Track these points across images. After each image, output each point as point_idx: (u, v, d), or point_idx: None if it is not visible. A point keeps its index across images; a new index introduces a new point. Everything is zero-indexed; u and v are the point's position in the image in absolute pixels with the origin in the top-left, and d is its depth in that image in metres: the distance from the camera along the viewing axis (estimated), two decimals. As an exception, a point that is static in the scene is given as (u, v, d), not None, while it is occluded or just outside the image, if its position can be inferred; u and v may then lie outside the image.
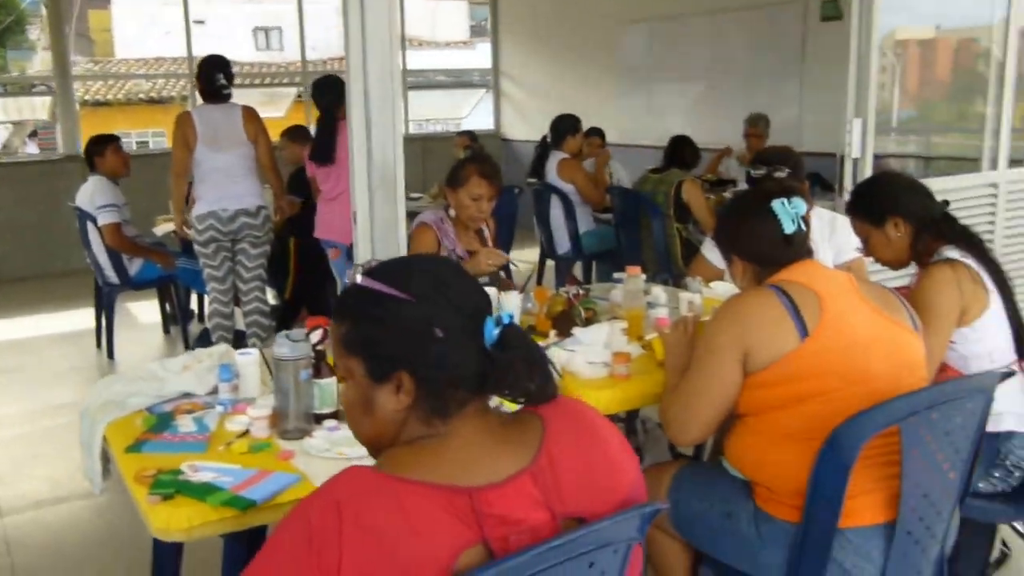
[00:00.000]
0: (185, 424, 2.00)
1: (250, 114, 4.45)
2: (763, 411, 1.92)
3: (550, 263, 5.79)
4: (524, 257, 6.69)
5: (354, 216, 2.81)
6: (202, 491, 1.66)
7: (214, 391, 2.17)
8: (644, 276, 3.01)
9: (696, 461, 2.20)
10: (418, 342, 1.17)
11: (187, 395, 2.19)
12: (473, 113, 11.46)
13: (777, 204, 2.01)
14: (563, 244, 5.55)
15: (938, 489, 1.82)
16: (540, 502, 1.15)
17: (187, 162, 4.39)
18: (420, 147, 8.76)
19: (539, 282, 5.91)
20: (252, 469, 1.76)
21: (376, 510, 1.09)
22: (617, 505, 1.22)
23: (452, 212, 3.18)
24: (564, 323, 2.61)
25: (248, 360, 2.16)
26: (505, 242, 5.65)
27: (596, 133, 6.31)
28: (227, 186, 4.36)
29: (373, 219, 2.89)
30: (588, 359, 2.33)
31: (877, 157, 4.39)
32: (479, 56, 12.33)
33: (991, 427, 2.24)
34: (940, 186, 4.39)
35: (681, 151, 5.05)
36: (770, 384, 1.89)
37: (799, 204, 2.02)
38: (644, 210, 4.96)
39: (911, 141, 6.58)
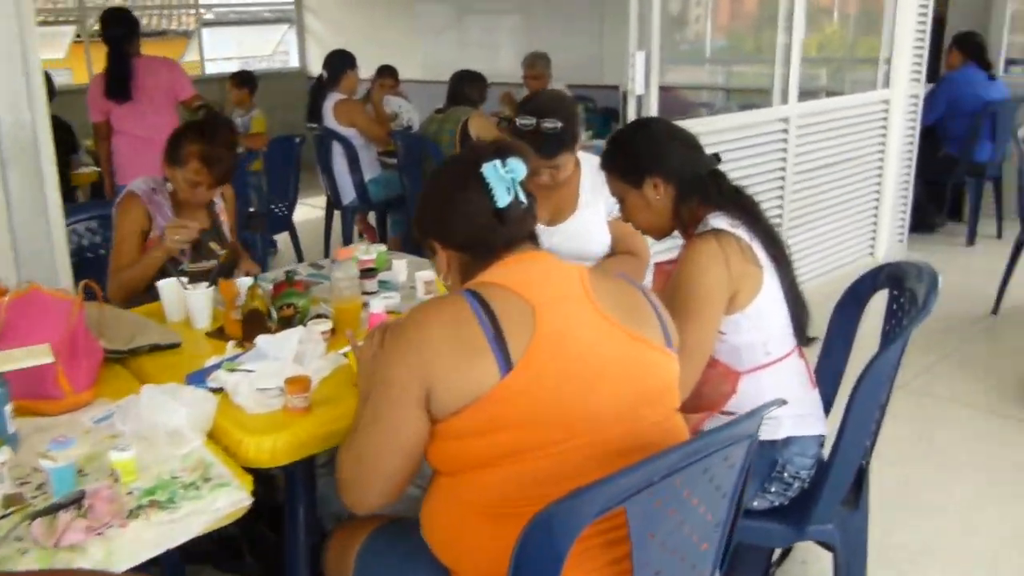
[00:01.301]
0: None
1: None
2: (456, 470, 1.29)
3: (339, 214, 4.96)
4: (315, 203, 5.80)
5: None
6: None
7: None
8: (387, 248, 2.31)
9: (394, 522, 1.54)
10: None
11: None
12: (278, 50, 10.16)
13: (488, 169, 1.36)
14: (348, 194, 4.75)
15: (683, 570, 1.26)
16: None
17: None
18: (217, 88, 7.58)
19: (327, 236, 5.10)
20: None
21: None
22: None
23: (171, 184, 2.39)
24: (253, 327, 1.87)
25: None
26: (286, 192, 4.78)
27: (388, 72, 5.39)
28: None
29: (9, 202, 2.05)
30: (259, 385, 1.61)
31: (667, 89, 3.86)
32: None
33: (766, 435, 1.72)
34: (734, 122, 3.95)
35: (464, 87, 4.33)
36: (462, 435, 1.25)
37: (516, 167, 1.37)
38: (427, 154, 4.23)
39: (720, 72, 6.32)
